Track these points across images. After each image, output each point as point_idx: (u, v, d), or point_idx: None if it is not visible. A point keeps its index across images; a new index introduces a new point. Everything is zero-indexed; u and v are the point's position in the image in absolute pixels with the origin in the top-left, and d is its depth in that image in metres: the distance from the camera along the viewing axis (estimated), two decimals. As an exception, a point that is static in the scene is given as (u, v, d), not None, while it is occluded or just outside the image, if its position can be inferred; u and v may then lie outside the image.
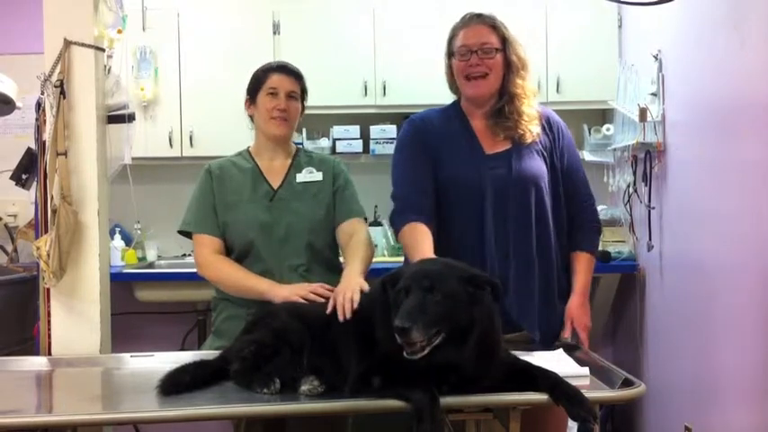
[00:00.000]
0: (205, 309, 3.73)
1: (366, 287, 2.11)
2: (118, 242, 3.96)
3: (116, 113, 2.67)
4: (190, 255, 3.87)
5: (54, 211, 2.45)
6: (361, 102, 3.99)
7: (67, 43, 2.53)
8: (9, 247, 3.91)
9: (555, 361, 2.07)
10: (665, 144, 3.29)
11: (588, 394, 1.79)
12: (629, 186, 3.62)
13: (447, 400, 1.77)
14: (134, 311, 3.84)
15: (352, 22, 4.02)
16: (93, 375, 2.37)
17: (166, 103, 3.96)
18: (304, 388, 1.89)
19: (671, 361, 3.26)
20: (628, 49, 3.88)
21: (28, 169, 2.96)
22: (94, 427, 2.27)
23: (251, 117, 2.59)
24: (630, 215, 3.66)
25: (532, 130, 2.37)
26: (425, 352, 1.70)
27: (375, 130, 4.08)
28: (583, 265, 2.41)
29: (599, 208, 2.59)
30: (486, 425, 2.08)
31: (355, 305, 2.03)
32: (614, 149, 3.88)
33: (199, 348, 3.05)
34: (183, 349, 3.78)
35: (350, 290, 2.08)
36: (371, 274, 2.37)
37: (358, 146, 4.06)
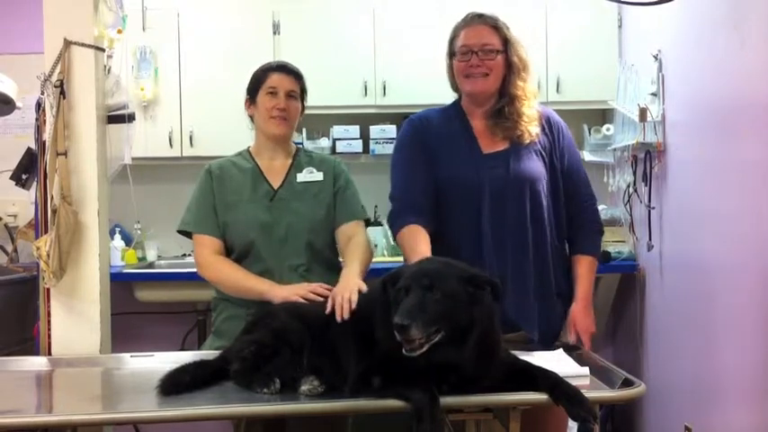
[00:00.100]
0: (205, 309, 3.73)
1: (364, 288, 2.12)
2: (118, 242, 3.96)
3: (116, 113, 2.67)
4: (190, 255, 3.87)
5: (54, 211, 2.45)
6: (361, 102, 3.99)
7: (67, 43, 2.53)
8: (9, 247, 3.91)
9: (555, 361, 2.07)
10: (665, 144, 3.29)
11: (588, 394, 1.80)
12: (629, 186, 3.62)
13: (447, 400, 1.77)
14: (134, 311, 3.83)
15: (352, 22, 4.02)
16: (93, 375, 2.37)
17: (166, 103, 3.96)
18: (304, 388, 1.89)
19: (671, 361, 3.26)
20: (628, 49, 3.88)
21: (28, 169, 2.96)
22: (94, 427, 2.27)
23: (251, 117, 2.59)
24: (630, 215, 3.66)
25: (531, 130, 2.37)
26: (424, 349, 1.71)
27: (375, 130, 4.08)
28: (585, 268, 2.41)
29: (599, 208, 2.58)
30: (486, 425, 2.08)
31: (353, 306, 2.03)
32: (614, 149, 3.88)
33: (199, 348, 3.05)
34: (183, 349, 3.78)
35: (348, 290, 2.08)
36: (371, 273, 2.37)
37: (358, 146, 4.06)
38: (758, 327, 2.41)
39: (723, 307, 2.69)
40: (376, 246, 3.78)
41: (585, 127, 4.09)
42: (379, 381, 1.81)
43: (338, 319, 2.02)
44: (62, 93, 2.49)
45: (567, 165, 2.43)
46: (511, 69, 2.37)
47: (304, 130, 4.02)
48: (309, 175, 2.56)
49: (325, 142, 4.08)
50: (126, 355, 2.43)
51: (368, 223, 2.62)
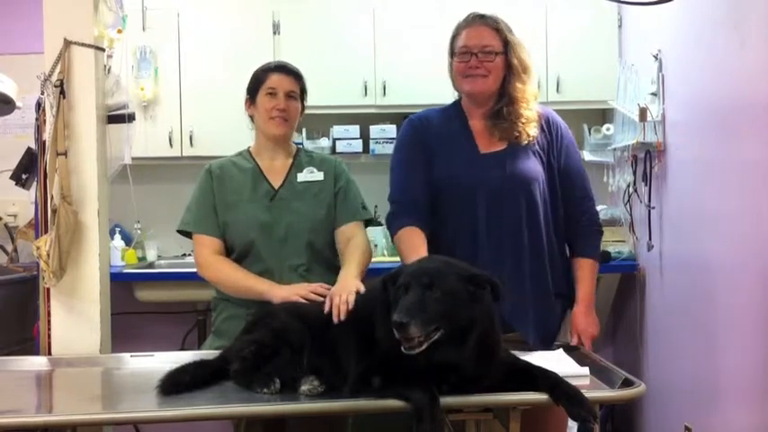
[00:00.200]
0: (205, 309, 3.73)
1: (362, 289, 2.12)
2: (118, 242, 3.96)
3: (116, 113, 2.67)
4: (190, 255, 3.87)
5: (54, 211, 2.45)
6: (361, 102, 3.99)
7: (67, 43, 2.53)
8: (9, 247, 3.91)
9: (555, 361, 2.07)
10: (665, 144, 3.29)
11: (588, 394, 1.80)
12: (629, 186, 3.62)
13: (447, 400, 1.77)
14: (134, 311, 3.83)
15: (352, 22, 4.02)
16: (93, 375, 2.38)
17: (166, 103, 3.96)
18: (304, 388, 1.89)
19: (671, 361, 3.26)
20: (628, 49, 3.88)
21: (28, 169, 2.96)
22: (94, 427, 2.27)
23: (251, 117, 2.59)
24: (630, 215, 3.66)
25: (529, 131, 2.36)
26: (423, 347, 1.70)
27: (375, 130, 4.08)
28: (586, 271, 2.40)
29: (599, 208, 2.59)
30: (486, 425, 2.08)
31: (350, 307, 2.03)
32: (614, 149, 3.88)
33: (199, 348, 3.05)
34: (182, 349, 3.78)
35: (345, 291, 2.08)
36: (371, 273, 2.37)
37: (358, 146, 4.06)
38: (758, 327, 2.41)
39: (723, 307, 2.69)
40: (376, 246, 3.78)
41: (585, 127, 4.09)
42: (379, 381, 1.81)
43: (335, 320, 2.02)
44: (62, 93, 2.49)
45: (566, 165, 2.42)
46: (511, 71, 2.37)
47: (304, 130, 4.02)
48: (310, 174, 2.56)
49: (325, 142, 4.08)
50: (126, 355, 2.43)
51: (369, 223, 2.63)
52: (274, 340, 2.00)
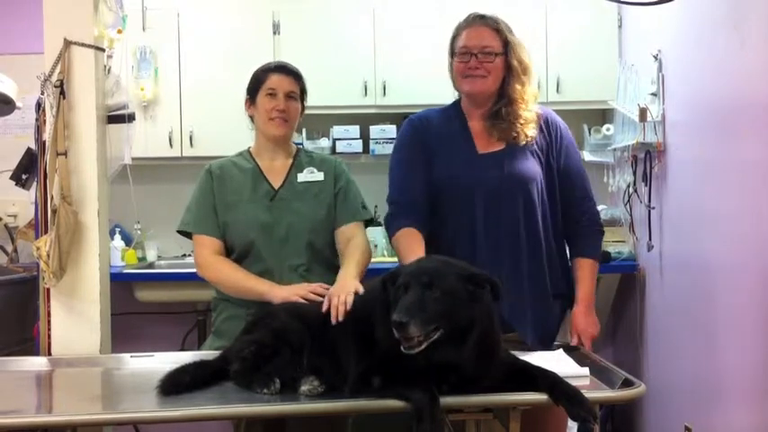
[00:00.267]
0: (205, 309, 3.73)
1: (360, 289, 2.12)
2: (118, 242, 3.96)
3: (116, 113, 2.67)
4: (190, 255, 3.87)
5: (54, 211, 2.45)
6: (361, 102, 3.99)
7: (67, 43, 2.52)
8: (9, 247, 3.91)
9: (555, 361, 2.07)
10: (665, 144, 3.29)
11: (588, 394, 1.80)
12: (629, 186, 3.61)
13: (447, 400, 1.76)
14: (134, 311, 3.83)
15: (352, 22, 4.02)
16: (93, 375, 2.37)
17: (166, 103, 3.96)
18: (304, 388, 1.89)
19: (671, 361, 3.26)
20: (628, 49, 3.88)
21: (28, 169, 2.96)
22: (94, 427, 2.27)
23: (251, 117, 2.59)
24: (630, 215, 3.66)
25: (528, 132, 2.36)
26: (422, 347, 1.70)
27: (375, 130, 4.08)
28: (586, 271, 2.40)
29: (599, 208, 2.58)
30: (486, 425, 2.08)
31: (348, 307, 2.03)
32: (614, 149, 3.88)
33: (199, 348, 3.05)
34: (183, 349, 3.78)
35: (344, 292, 2.08)
36: (370, 273, 2.37)
37: (358, 146, 4.06)
38: (758, 327, 2.41)
39: (723, 307, 2.69)
40: (376, 246, 3.78)
41: (585, 127, 4.09)
42: (379, 381, 1.80)
43: (333, 321, 2.02)
44: (62, 93, 2.49)
45: (565, 165, 2.42)
46: (510, 72, 2.37)
47: (304, 130, 4.02)
48: (310, 175, 2.56)
49: (325, 142, 4.08)
50: (126, 356, 2.43)
51: (369, 223, 2.62)
52: (274, 340, 2.00)
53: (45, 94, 2.52)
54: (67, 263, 2.49)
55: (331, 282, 2.28)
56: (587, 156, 3.95)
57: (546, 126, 2.43)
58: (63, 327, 2.54)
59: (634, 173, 3.54)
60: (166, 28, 3.95)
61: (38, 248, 2.47)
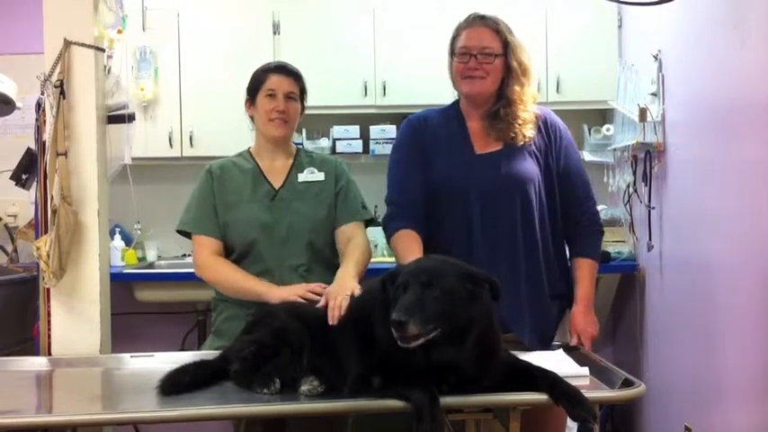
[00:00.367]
0: (205, 309, 3.73)
1: (357, 291, 2.12)
2: (118, 242, 3.96)
3: (116, 113, 2.67)
4: (190, 255, 3.85)
5: (54, 212, 2.45)
6: (361, 102, 3.99)
7: (67, 43, 2.52)
8: (9, 247, 3.91)
9: (555, 361, 2.07)
10: (664, 144, 3.29)
11: (588, 394, 1.79)
12: (629, 186, 3.62)
13: (447, 400, 1.76)
14: (134, 311, 3.84)
15: (352, 22, 4.02)
16: (93, 375, 2.37)
17: (166, 103, 3.96)
18: (304, 388, 1.89)
19: (671, 361, 3.26)
20: (628, 49, 3.88)
21: (28, 169, 2.96)
22: (94, 427, 2.27)
23: (251, 117, 2.59)
24: (630, 215, 3.66)
25: (526, 133, 2.36)
26: (420, 341, 1.69)
27: (375, 131, 4.08)
28: (585, 271, 2.39)
29: (599, 208, 2.58)
30: (486, 425, 2.08)
31: (343, 311, 2.03)
32: (614, 149, 3.88)
33: (199, 348, 3.05)
34: (183, 349, 3.78)
35: (341, 294, 2.09)
36: (370, 273, 2.37)
37: (358, 146, 4.06)
38: (758, 327, 2.41)
39: (723, 307, 2.69)
40: (376, 246, 3.78)
41: (585, 127, 4.09)
42: (379, 381, 1.80)
43: (330, 322, 2.03)
44: (62, 93, 2.49)
45: (565, 166, 2.42)
46: (510, 73, 2.36)
47: (304, 130, 4.02)
48: (311, 175, 2.56)
49: (325, 142, 4.08)
50: (126, 356, 2.43)
51: (369, 223, 2.63)
52: (274, 340, 1.99)
53: (45, 95, 2.52)
54: (67, 263, 2.49)
55: (331, 282, 2.28)
56: (587, 156, 3.95)
57: (545, 126, 2.42)
58: (63, 327, 2.54)
59: (634, 173, 3.54)
60: (166, 28, 3.95)
61: (38, 248, 2.47)
